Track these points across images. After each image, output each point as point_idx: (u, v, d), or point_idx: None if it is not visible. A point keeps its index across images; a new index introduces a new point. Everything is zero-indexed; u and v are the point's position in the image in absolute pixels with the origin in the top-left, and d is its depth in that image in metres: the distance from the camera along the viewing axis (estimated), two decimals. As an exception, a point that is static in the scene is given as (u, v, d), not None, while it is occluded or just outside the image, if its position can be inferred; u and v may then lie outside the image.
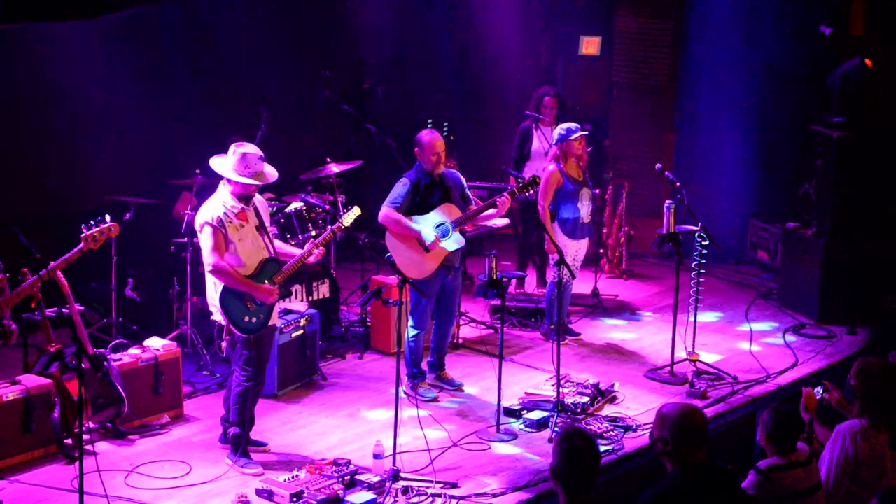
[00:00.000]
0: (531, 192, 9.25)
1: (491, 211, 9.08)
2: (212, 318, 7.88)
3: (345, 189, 11.14)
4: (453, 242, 9.02)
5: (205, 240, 7.63)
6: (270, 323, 7.87)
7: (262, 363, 7.88)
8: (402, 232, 8.95)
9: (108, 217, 8.04)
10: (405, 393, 9.02)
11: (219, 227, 7.60)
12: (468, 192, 9.27)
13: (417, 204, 9.00)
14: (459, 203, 9.12)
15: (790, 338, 10.77)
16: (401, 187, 9.02)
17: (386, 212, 8.97)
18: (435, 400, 9.10)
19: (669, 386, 9.44)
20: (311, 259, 7.98)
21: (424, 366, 9.35)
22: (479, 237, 11.18)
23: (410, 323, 9.14)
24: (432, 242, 8.92)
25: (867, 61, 11.17)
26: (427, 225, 8.98)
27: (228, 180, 7.72)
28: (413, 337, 9.13)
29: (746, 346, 10.48)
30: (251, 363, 7.76)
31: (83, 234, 7.92)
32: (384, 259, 8.67)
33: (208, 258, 7.61)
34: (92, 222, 7.97)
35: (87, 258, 9.83)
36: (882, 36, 12.13)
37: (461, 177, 9.29)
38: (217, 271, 7.59)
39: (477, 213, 9.09)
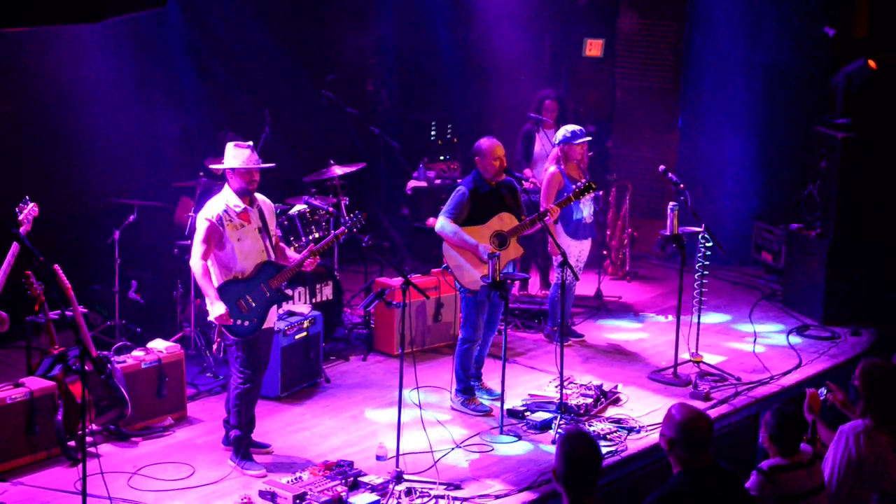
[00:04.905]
0: (588, 195, 9.44)
1: (547, 219, 9.04)
2: (208, 318, 7.89)
3: (348, 191, 11.14)
4: (511, 252, 8.94)
5: (197, 232, 7.69)
6: (266, 326, 7.88)
7: (259, 366, 7.88)
8: (459, 244, 8.81)
9: (27, 197, 7.87)
10: (453, 409, 8.98)
11: (217, 224, 7.62)
12: (521, 199, 9.15)
13: (475, 213, 8.87)
14: (515, 211, 9.03)
15: (794, 339, 10.76)
16: (458, 196, 8.86)
17: (443, 222, 8.83)
18: (489, 414, 8.90)
19: (673, 387, 9.42)
20: (307, 267, 7.97)
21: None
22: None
23: (461, 334, 9.01)
24: (490, 254, 8.73)
25: (871, 62, 11.16)
26: (484, 235, 8.91)
27: (229, 174, 7.76)
28: (464, 348, 8.97)
29: (750, 348, 10.47)
30: (247, 365, 7.77)
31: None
32: (444, 268, 8.64)
33: (193, 249, 7.69)
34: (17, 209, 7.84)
35: (90, 260, 9.91)
36: (886, 38, 12.12)
37: (516, 183, 9.10)
38: (194, 263, 7.66)
39: (530, 224, 8.97)
